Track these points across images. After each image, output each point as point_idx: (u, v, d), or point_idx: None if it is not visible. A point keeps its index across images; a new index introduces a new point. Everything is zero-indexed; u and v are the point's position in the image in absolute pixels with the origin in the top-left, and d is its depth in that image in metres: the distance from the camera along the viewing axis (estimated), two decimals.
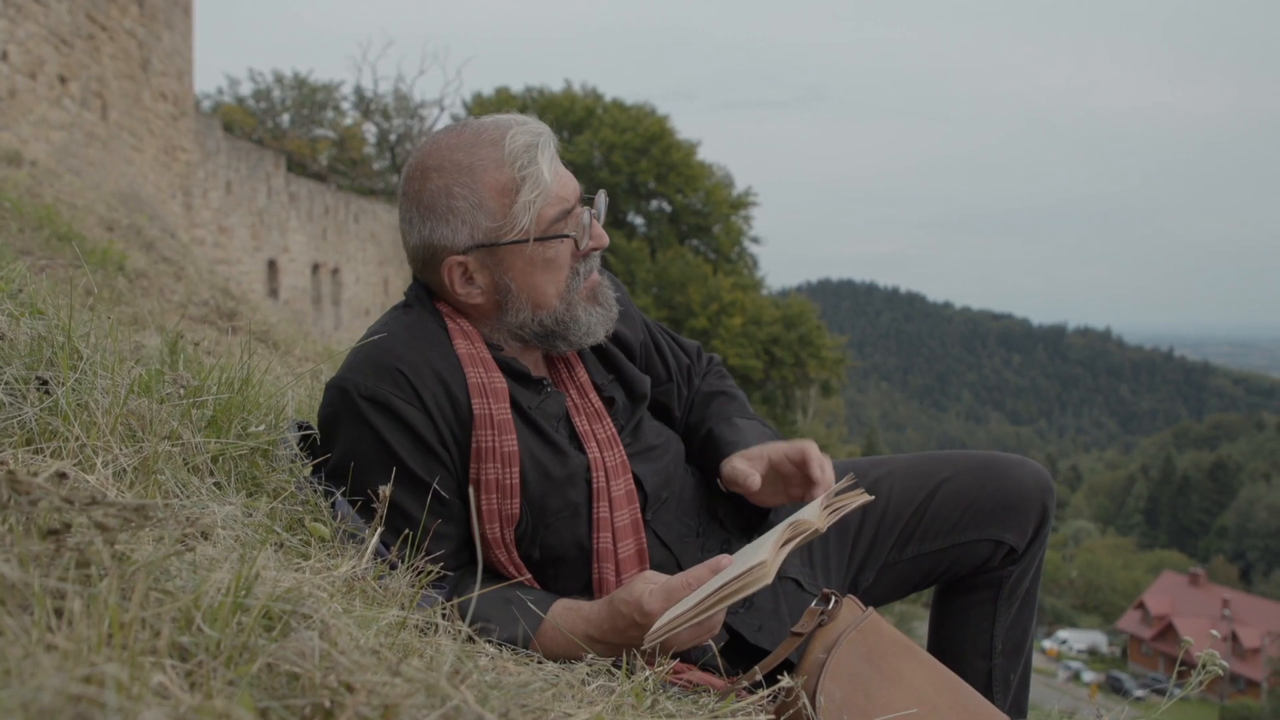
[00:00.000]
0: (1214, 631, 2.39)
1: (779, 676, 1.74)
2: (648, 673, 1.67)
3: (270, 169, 22.57)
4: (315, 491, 1.90)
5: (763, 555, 1.73)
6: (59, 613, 1.02)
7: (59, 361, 1.80)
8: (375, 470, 1.87)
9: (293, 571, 1.51)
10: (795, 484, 2.11)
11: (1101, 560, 77.90)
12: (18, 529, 1.10)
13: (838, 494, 1.91)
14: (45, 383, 1.74)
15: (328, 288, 25.94)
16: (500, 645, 1.77)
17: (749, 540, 2.19)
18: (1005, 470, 2.26)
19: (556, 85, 47.49)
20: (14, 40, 10.35)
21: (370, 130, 40.22)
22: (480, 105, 42.33)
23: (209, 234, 18.92)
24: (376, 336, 1.97)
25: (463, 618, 1.69)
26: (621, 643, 1.81)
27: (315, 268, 25.11)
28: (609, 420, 2.10)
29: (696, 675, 1.86)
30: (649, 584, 1.81)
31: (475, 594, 1.69)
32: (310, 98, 38.72)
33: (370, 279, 29.23)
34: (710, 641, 1.85)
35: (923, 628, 2.46)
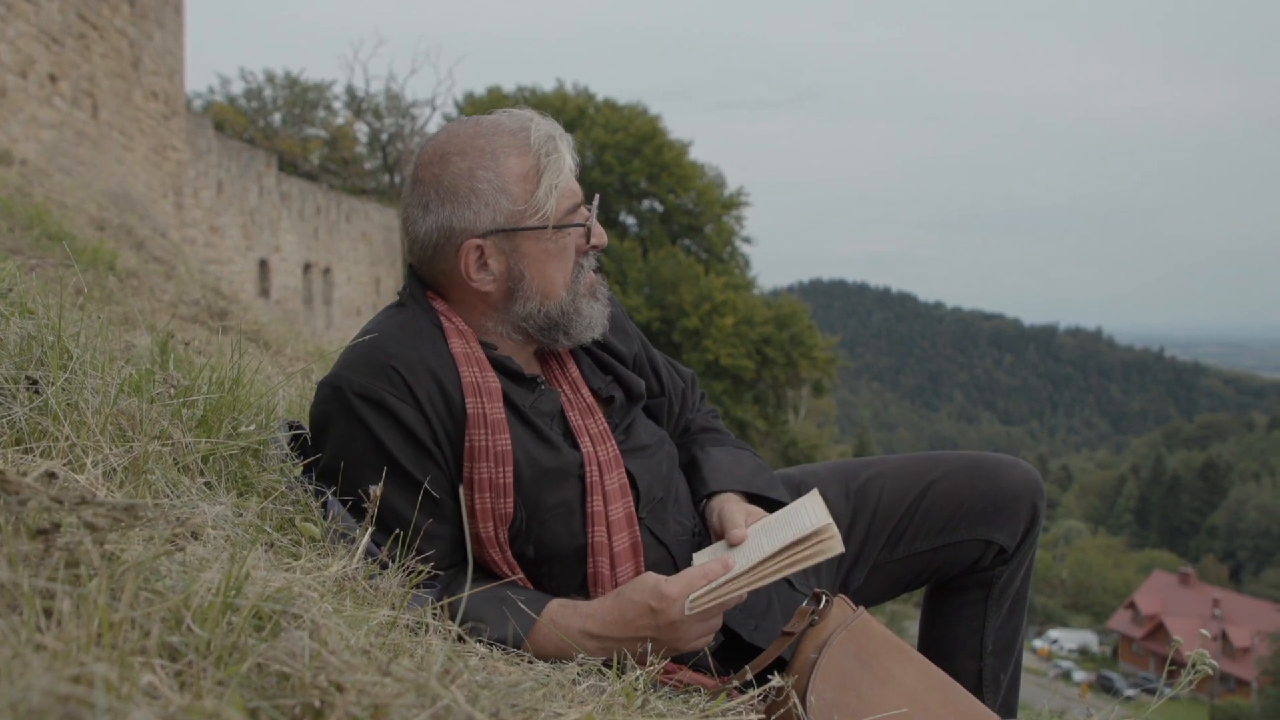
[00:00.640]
0: (1204, 631, 2.40)
1: (769, 676, 1.74)
2: (638, 672, 1.67)
3: (262, 168, 22.54)
4: (306, 491, 1.90)
5: (820, 523, 1.78)
6: (48, 613, 1.02)
7: (49, 361, 1.80)
8: (368, 468, 1.87)
9: (283, 571, 1.50)
10: None
11: (1092, 560, 78.03)
12: (7, 529, 1.10)
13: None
14: (35, 382, 1.74)
15: (319, 287, 25.92)
16: (491, 645, 1.77)
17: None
18: (995, 470, 2.26)
19: (548, 85, 47.52)
20: (4, 39, 10.32)
21: (362, 130, 40.20)
22: (472, 104, 42.29)
23: (200, 233, 18.89)
24: (370, 335, 1.97)
25: (453, 617, 1.69)
26: (626, 635, 1.81)
27: (307, 267, 25.09)
28: (601, 416, 2.10)
29: (687, 675, 1.86)
30: (656, 579, 1.83)
31: (465, 594, 1.69)
32: (302, 97, 38.67)
33: (362, 279, 29.20)
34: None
35: (914, 627, 2.46)
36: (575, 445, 2.04)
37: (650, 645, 1.81)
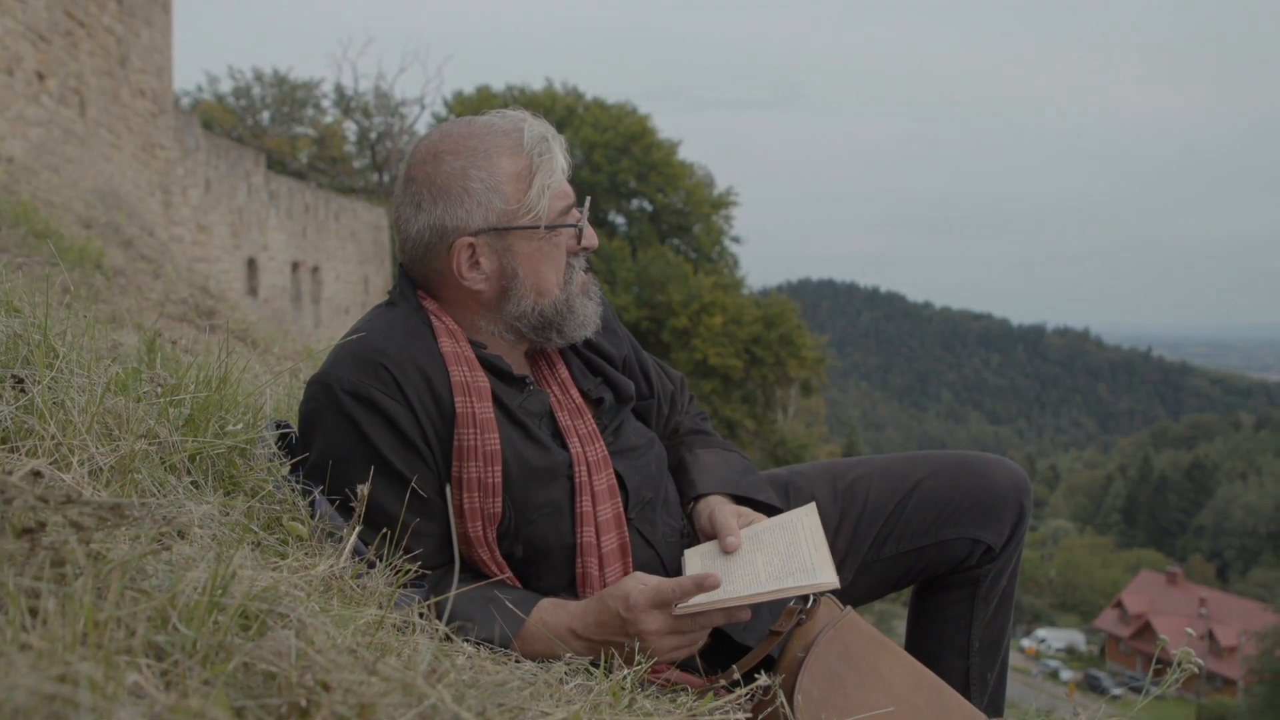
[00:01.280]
0: (1189, 630, 2.40)
1: (757, 675, 1.74)
2: (626, 672, 1.67)
3: (250, 167, 22.49)
4: (293, 490, 1.89)
5: (823, 579, 1.81)
6: (33, 612, 1.02)
7: (35, 359, 1.80)
8: (356, 466, 1.87)
9: (270, 570, 1.50)
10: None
11: (1080, 559, 78.25)
12: None
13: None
14: (21, 381, 1.74)
15: (307, 286, 25.87)
16: (479, 644, 1.76)
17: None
18: (982, 470, 2.27)
19: (537, 84, 47.44)
20: None
21: (350, 128, 40.20)
22: (461, 103, 42.29)
23: (188, 232, 18.84)
24: (360, 333, 1.97)
25: (441, 616, 1.68)
26: (604, 638, 1.81)
27: (295, 266, 25.04)
28: (590, 417, 2.10)
29: (674, 674, 1.86)
30: (640, 582, 1.83)
31: (453, 593, 1.69)
32: (290, 95, 38.63)
33: (350, 277, 29.16)
34: None
35: (902, 626, 2.47)
36: (564, 446, 2.04)
37: (637, 645, 1.81)
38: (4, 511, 1.13)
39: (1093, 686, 50.96)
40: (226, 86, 38.98)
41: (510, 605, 1.84)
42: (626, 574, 1.99)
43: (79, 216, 8.24)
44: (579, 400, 2.11)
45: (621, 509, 2.06)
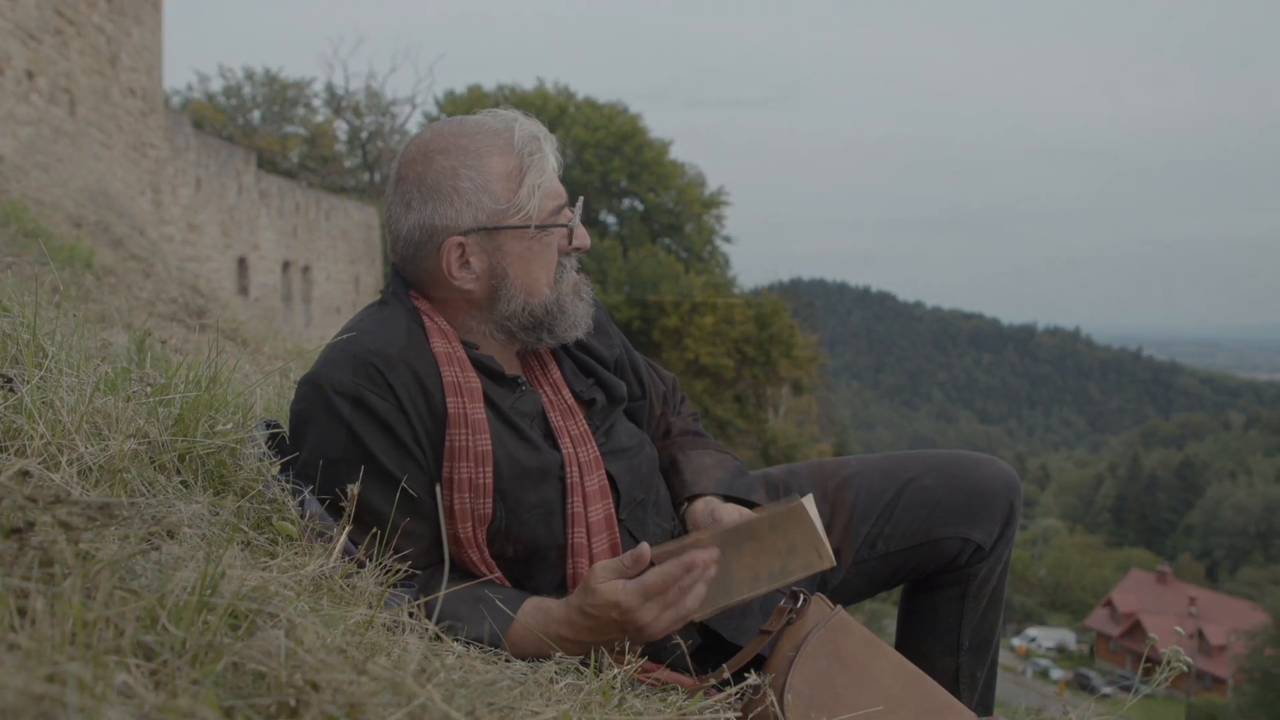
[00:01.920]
0: (1178, 628, 2.41)
1: (747, 674, 1.75)
2: (616, 671, 1.67)
3: (240, 166, 22.46)
4: (283, 490, 1.89)
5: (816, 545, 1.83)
6: (22, 612, 1.02)
7: (24, 359, 1.79)
8: (347, 465, 1.87)
9: (259, 570, 1.50)
10: None
11: (1070, 558, 78.37)
12: None
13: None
14: (10, 380, 1.73)
15: (298, 285, 25.83)
16: (469, 644, 1.76)
17: None
18: (972, 469, 2.27)
19: (529, 83, 47.44)
20: None
21: (341, 127, 40.16)
22: (452, 103, 42.26)
23: (178, 231, 18.80)
24: (352, 332, 1.97)
25: (430, 616, 1.68)
26: (598, 638, 1.81)
27: (286, 265, 24.99)
28: (582, 418, 2.10)
29: (665, 674, 1.86)
30: (607, 575, 1.80)
31: (442, 593, 1.69)
32: (281, 94, 38.58)
33: (341, 277, 29.11)
34: (679, 639, 1.86)
35: (892, 625, 2.47)
36: (556, 446, 2.04)
37: (628, 643, 1.80)
38: None
39: (1083, 685, 51.04)
40: (217, 85, 39.00)
41: (500, 604, 1.84)
42: None
43: (69, 215, 8.21)
44: (571, 401, 2.11)
45: (613, 510, 2.06)
